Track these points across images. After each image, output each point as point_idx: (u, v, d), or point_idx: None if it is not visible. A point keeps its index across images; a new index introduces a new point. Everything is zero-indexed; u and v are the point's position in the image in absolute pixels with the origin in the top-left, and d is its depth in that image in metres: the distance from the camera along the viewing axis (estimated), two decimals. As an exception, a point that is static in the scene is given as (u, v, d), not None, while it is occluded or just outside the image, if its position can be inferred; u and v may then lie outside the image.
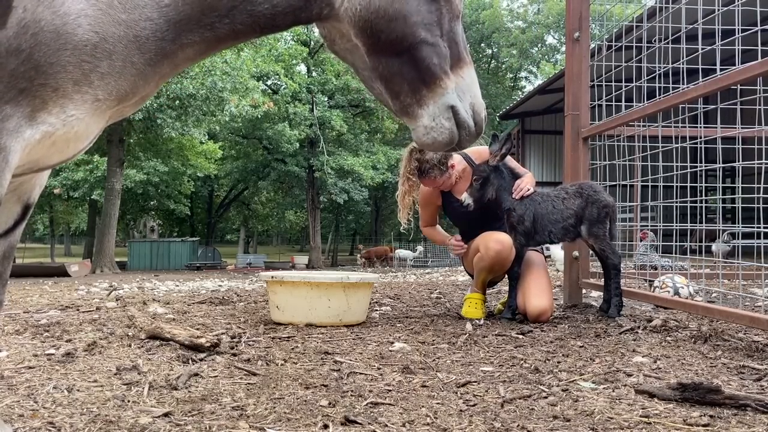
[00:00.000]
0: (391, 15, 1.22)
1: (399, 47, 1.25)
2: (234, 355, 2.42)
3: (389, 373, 2.14)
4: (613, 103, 3.94)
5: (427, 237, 4.16)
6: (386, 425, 1.56)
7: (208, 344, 2.44)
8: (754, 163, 2.97)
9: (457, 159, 3.73)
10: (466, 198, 3.39)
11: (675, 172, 3.62)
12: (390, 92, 1.31)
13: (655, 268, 4.69)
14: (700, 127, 3.76)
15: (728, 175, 14.02)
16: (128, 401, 1.76)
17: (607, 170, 4.04)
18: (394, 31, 1.23)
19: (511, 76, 39.57)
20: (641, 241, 5.65)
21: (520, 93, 33.84)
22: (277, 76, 23.05)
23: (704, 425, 1.54)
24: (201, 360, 2.32)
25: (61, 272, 14.65)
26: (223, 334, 2.87)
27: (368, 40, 1.25)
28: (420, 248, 25.27)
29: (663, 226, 4.39)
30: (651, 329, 2.92)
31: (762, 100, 2.76)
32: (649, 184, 4.12)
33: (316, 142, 24.32)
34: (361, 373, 2.13)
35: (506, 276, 3.63)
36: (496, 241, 3.43)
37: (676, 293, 3.63)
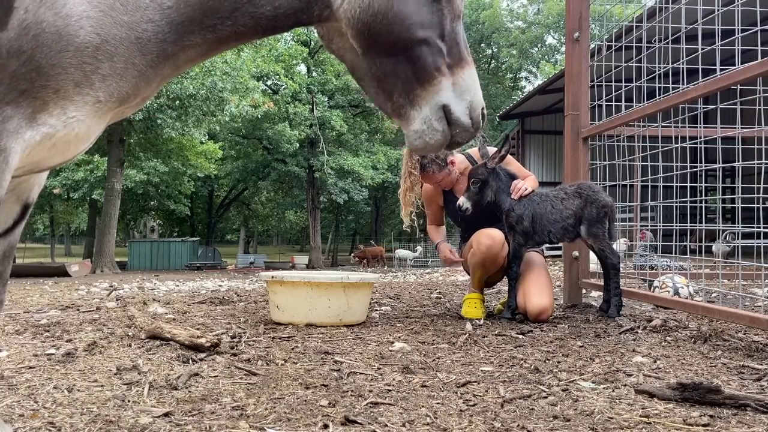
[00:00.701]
0: (390, 18, 1.21)
1: (395, 48, 1.24)
2: (234, 355, 2.42)
3: (389, 373, 2.14)
4: (613, 103, 3.94)
5: (429, 236, 4.13)
6: (386, 425, 1.56)
7: (208, 344, 2.44)
8: (754, 163, 2.97)
9: (459, 158, 3.72)
10: (464, 202, 3.38)
11: (675, 172, 3.62)
12: (384, 92, 1.30)
13: (652, 268, 4.70)
14: (700, 127, 3.76)
15: (728, 175, 14.01)
16: (128, 401, 1.76)
17: (607, 170, 4.04)
18: (392, 33, 1.22)
19: (511, 76, 39.58)
20: (640, 240, 5.64)
21: (520, 93, 33.85)
22: (277, 76, 23.06)
23: (704, 425, 1.54)
24: (201, 360, 2.32)
25: (62, 272, 14.66)
26: (223, 334, 2.87)
27: (365, 42, 1.25)
28: (420, 248, 25.26)
29: (663, 226, 4.39)
30: (651, 329, 2.92)
31: (762, 100, 2.76)
32: (649, 184, 4.12)
33: (316, 142, 24.34)
34: (361, 373, 2.14)
35: (505, 276, 3.63)
36: (487, 236, 3.44)
37: (676, 293, 3.63)
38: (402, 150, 3.74)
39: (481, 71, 34.99)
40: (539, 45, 36.49)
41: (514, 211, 3.37)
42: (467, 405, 1.75)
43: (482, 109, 1.36)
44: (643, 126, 3.80)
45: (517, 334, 2.94)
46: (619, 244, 4.94)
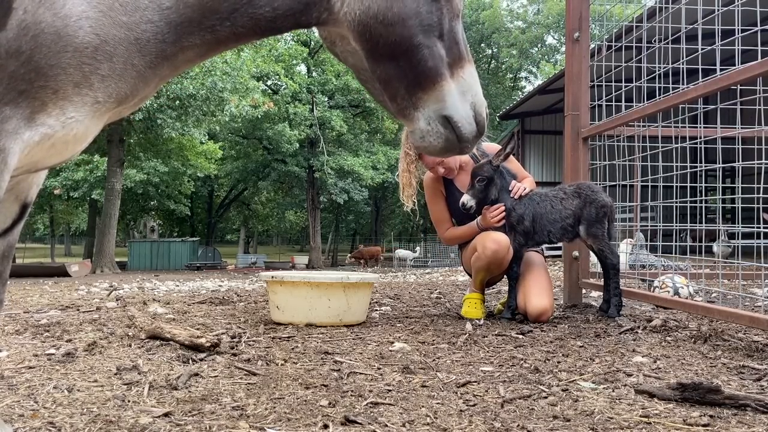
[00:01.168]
0: (389, 19, 1.22)
1: (397, 51, 1.24)
2: (234, 355, 2.42)
3: (389, 373, 2.14)
4: (613, 103, 3.94)
5: (454, 242, 3.87)
6: (386, 425, 1.56)
7: (208, 344, 2.44)
8: (754, 163, 2.97)
9: None
10: (468, 200, 3.38)
11: (675, 172, 3.62)
12: (388, 94, 1.31)
13: (643, 267, 4.70)
14: (700, 127, 3.76)
15: (728, 175, 14.02)
16: (128, 401, 1.76)
17: (607, 170, 4.04)
18: (392, 35, 1.22)
19: (511, 76, 39.60)
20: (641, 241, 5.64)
21: (520, 93, 33.87)
22: (277, 77, 23.08)
23: (704, 425, 1.54)
24: (201, 360, 2.32)
25: (62, 272, 14.66)
26: (223, 334, 2.87)
27: (367, 44, 1.25)
28: (419, 248, 25.27)
29: (663, 226, 4.39)
30: (651, 329, 2.92)
31: (762, 100, 2.76)
32: (649, 184, 4.12)
33: (316, 142, 24.36)
34: (361, 373, 2.14)
35: (506, 276, 3.63)
36: (492, 241, 3.42)
37: (676, 293, 3.63)
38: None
39: (481, 71, 35.02)
40: (539, 45, 36.51)
41: (515, 210, 3.37)
42: (467, 405, 1.75)
43: (485, 108, 1.36)
44: (643, 126, 3.80)
45: (517, 334, 2.94)
46: (626, 244, 4.95)
